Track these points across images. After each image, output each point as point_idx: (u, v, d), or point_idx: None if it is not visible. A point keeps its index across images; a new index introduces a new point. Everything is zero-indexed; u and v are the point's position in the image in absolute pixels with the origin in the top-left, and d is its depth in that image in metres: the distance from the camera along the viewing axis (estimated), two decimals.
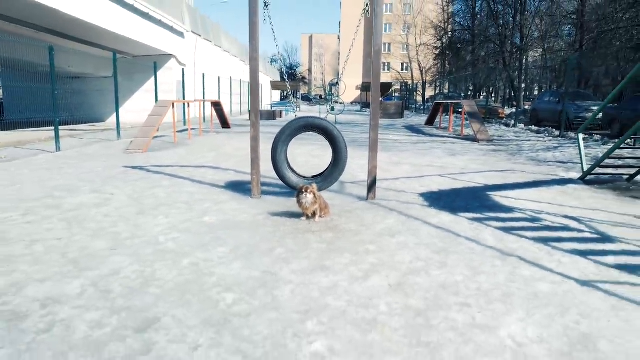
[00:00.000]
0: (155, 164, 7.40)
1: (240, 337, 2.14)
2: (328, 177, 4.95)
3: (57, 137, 9.29)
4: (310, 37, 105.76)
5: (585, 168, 6.15)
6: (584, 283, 2.80)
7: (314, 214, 4.13)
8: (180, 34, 23.14)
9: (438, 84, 36.40)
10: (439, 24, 38.09)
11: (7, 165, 7.12)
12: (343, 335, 2.17)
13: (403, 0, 52.11)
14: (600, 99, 17.66)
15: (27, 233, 3.67)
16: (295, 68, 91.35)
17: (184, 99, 17.56)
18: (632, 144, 8.90)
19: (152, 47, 20.30)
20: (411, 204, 4.82)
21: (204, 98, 18.48)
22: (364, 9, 5.07)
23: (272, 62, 65.18)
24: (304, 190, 3.99)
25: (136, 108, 21.99)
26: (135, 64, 20.93)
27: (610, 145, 8.74)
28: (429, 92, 41.68)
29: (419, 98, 40.78)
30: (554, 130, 12.85)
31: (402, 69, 52.89)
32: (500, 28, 28.17)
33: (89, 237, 3.59)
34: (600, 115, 11.96)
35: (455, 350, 2.05)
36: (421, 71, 43.32)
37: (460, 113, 16.86)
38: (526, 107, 24.98)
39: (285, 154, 4.97)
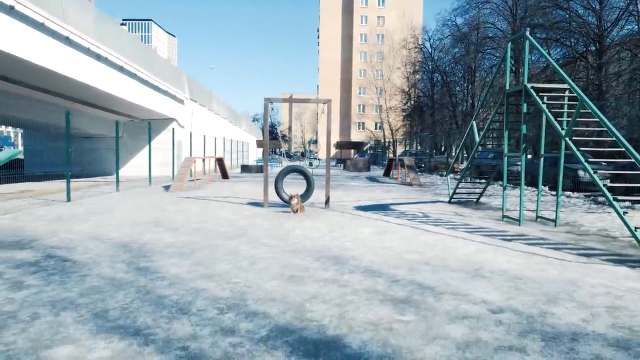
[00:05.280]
0: (196, 196, 12.26)
1: (274, 232, 7.03)
2: (304, 196, 9.95)
3: (117, 182, 14.15)
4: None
5: (450, 194, 11.32)
6: (398, 224, 7.80)
7: (297, 211, 9.05)
8: (181, 101, 28.63)
9: (407, 142, 42.66)
10: (405, 90, 45.08)
11: (96, 199, 11.86)
12: (308, 230, 7.07)
13: (375, 67, 60.13)
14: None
15: (168, 217, 8.48)
16: (276, 127, 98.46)
17: (191, 155, 22.52)
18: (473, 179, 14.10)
19: (157, 112, 25.48)
20: (346, 209, 9.82)
21: (204, 155, 23.52)
22: (322, 111, 10.33)
23: (253, 120, 72.07)
24: (293, 196, 8.99)
25: (140, 163, 26.75)
26: (142, 127, 26.00)
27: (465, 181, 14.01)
28: (401, 149, 47.94)
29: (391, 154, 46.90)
30: (469, 178, 18.24)
31: (376, 128, 59.73)
32: (452, 97, 34.76)
33: (197, 217, 8.43)
34: None
35: (340, 235, 6.96)
36: (391, 130, 49.88)
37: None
38: None
39: (282, 184, 9.97)
